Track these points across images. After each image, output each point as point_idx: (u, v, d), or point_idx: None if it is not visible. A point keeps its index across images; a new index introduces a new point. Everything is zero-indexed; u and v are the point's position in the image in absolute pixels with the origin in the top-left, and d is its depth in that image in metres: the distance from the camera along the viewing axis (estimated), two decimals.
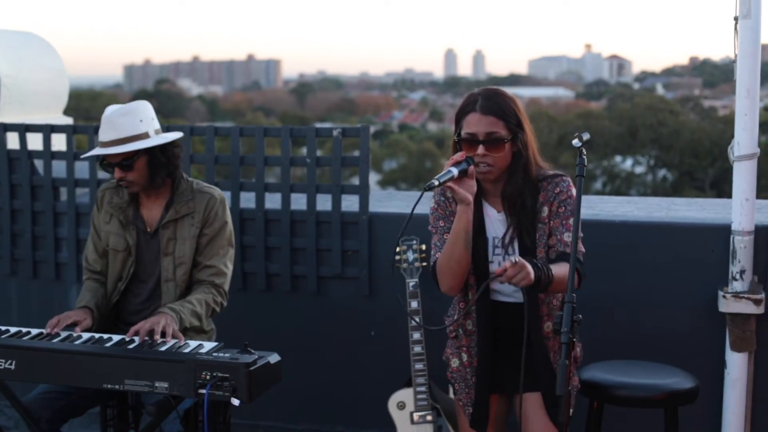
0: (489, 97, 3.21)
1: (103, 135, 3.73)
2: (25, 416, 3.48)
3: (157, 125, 3.83)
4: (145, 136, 3.74)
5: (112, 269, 3.91)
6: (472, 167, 3.06)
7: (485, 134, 3.17)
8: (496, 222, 3.32)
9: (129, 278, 3.88)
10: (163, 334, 3.41)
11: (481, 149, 3.17)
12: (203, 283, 3.82)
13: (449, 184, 3.01)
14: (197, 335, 3.79)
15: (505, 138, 3.18)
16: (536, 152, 3.30)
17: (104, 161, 3.80)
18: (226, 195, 4.94)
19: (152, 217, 3.90)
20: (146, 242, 3.89)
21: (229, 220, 3.93)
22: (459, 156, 3.06)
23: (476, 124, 3.18)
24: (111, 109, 3.78)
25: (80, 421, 4.41)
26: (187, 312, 3.63)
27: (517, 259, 2.95)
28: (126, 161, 3.72)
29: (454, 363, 3.49)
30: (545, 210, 3.27)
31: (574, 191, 3.23)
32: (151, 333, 3.42)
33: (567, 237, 3.23)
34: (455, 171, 3.01)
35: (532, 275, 2.96)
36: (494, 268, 3.28)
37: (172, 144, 3.83)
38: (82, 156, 3.95)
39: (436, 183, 2.96)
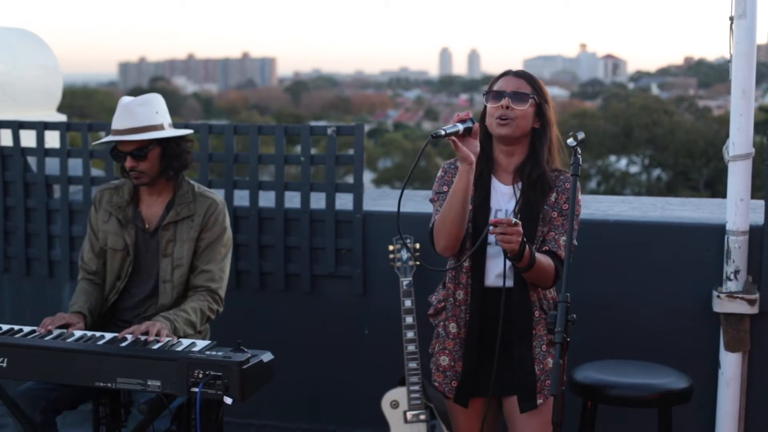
0: (524, 70, 3.42)
1: (119, 123, 3.74)
2: (16, 413, 3.46)
3: (170, 119, 3.86)
4: (160, 127, 3.77)
5: (111, 268, 3.89)
6: (476, 126, 3.14)
7: (513, 90, 3.32)
8: (501, 195, 3.36)
9: (128, 277, 3.86)
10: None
11: (506, 101, 3.29)
12: (199, 288, 3.80)
13: (453, 138, 3.08)
14: (192, 335, 3.77)
15: (530, 95, 3.31)
16: (557, 145, 3.41)
17: (115, 150, 3.79)
18: (220, 193, 4.95)
19: (152, 215, 3.87)
20: (145, 241, 3.87)
21: (228, 227, 3.91)
22: (464, 114, 3.16)
23: (506, 82, 3.36)
24: (128, 99, 3.80)
25: (72, 419, 4.40)
26: (181, 321, 3.62)
27: (517, 221, 3.03)
28: (140, 151, 3.73)
29: (439, 346, 3.46)
30: (553, 196, 3.33)
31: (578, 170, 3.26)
32: (144, 335, 3.40)
33: (563, 241, 3.28)
34: (461, 127, 3.10)
35: (518, 245, 3.04)
36: (492, 238, 3.30)
37: (184, 139, 3.86)
38: (95, 143, 3.92)
39: (443, 133, 3.06)
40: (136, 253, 3.86)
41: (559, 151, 3.40)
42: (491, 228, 3.04)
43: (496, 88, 3.35)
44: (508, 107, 3.28)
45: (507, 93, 3.30)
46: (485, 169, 3.35)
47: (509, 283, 3.30)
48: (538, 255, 3.18)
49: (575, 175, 3.04)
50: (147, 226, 3.87)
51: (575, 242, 3.34)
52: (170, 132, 3.80)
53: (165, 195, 3.88)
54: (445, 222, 3.21)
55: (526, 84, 3.34)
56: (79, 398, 3.69)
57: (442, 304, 3.44)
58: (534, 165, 3.33)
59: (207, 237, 3.83)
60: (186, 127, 5.00)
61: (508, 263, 3.28)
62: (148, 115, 3.74)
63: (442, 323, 3.45)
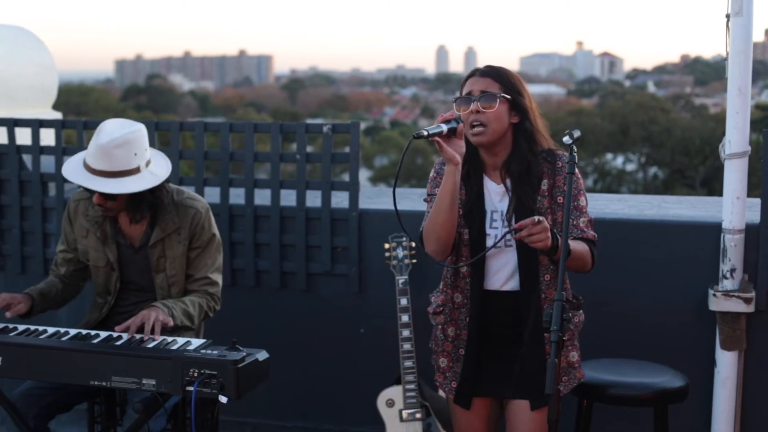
0: (490, 66, 3.31)
1: (94, 161, 3.57)
2: (12, 413, 3.46)
3: (148, 156, 3.67)
4: (135, 171, 3.59)
5: (97, 284, 3.87)
6: (461, 126, 3.08)
7: (480, 92, 3.23)
8: (494, 195, 3.30)
9: (117, 292, 3.85)
10: (153, 331, 3.38)
11: (474, 105, 3.20)
12: (196, 292, 3.81)
13: (437, 139, 3.02)
14: (186, 332, 3.77)
15: (498, 95, 3.21)
16: (543, 130, 3.32)
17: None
18: (215, 191, 4.95)
19: (134, 230, 3.80)
20: (131, 256, 3.82)
21: (216, 231, 3.87)
22: (449, 114, 3.10)
23: (473, 84, 3.26)
24: (108, 136, 3.57)
25: (68, 418, 4.39)
26: (178, 310, 3.60)
27: (540, 218, 2.95)
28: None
29: (438, 347, 3.44)
30: (545, 183, 3.26)
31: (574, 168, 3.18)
32: (141, 329, 3.39)
33: (582, 222, 3.23)
34: (445, 127, 3.04)
35: (549, 240, 2.97)
36: (491, 241, 3.25)
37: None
38: (69, 178, 3.66)
39: (426, 134, 2.98)
40: (122, 269, 3.83)
41: (548, 135, 3.33)
42: (515, 233, 2.98)
43: (464, 91, 3.27)
44: (478, 111, 3.20)
45: (474, 97, 3.22)
46: (472, 170, 3.28)
47: (514, 285, 3.26)
48: (571, 243, 3.09)
49: (571, 173, 2.99)
50: (130, 242, 3.82)
51: (590, 215, 3.27)
52: (142, 182, 3.60)
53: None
54: (435, 225, 3.17)
55: (493, 81, 3.24)
56: (72, 401, 3.69)
57: (441, 308, 3.41)
58: (519, 160, 3.25)
59: (197, 246, 3.81)
60: (182, 125, 5.01)
61: (511, 265, 3.26)
62: (124, 159, 3.55)
63: (440, 326, 3.43)
